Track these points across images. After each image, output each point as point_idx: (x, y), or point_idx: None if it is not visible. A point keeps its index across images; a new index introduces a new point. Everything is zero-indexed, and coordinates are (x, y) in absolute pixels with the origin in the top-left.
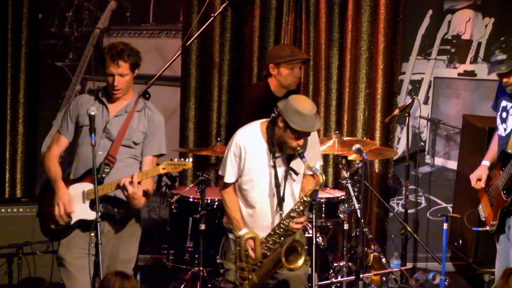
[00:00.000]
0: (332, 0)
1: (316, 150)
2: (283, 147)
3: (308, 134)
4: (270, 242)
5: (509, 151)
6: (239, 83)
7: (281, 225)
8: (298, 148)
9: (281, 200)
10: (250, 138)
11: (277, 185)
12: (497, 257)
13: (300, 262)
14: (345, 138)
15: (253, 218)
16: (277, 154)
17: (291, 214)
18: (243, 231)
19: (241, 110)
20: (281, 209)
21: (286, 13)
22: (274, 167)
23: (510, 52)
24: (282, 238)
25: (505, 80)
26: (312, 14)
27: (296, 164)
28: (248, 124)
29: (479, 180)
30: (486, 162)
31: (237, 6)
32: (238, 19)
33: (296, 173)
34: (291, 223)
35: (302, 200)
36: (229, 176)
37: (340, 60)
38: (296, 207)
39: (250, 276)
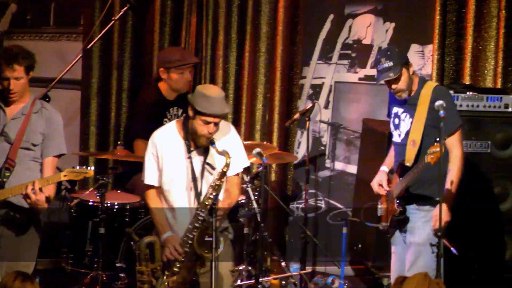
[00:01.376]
0: (231, 2)
1: (235, 148)
2: (197, 139)
3: (217, 117)
4: (190, 237)
5: (407, 164)
6: (139, 87)
7: (198, 216)
8: (209, 135)
9: (198, 195)
10: (166, 136)
11: (194, 179)
12: (392, 260)
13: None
14: (244, 142)
15: (177, 220)
16: (192, 148)
17: (205, 203)
18: (166, 235)
19: (133, 115)
20: (199, 204)
21: (187, 17)
22: (190, 161)
23: (395, 60)
24: None
25: (393, 86)
26: (211, 17)
27: (212, 158)
28: (165, 125)
29: (381, 185)
30: (384, 168)
31: (138, 10)
32: (139, 23)
33: (213, 168)
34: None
35: (213, 185)
36: (149, 178)
37: (238, 62)
38: (208, 193)
39: (150, 280)
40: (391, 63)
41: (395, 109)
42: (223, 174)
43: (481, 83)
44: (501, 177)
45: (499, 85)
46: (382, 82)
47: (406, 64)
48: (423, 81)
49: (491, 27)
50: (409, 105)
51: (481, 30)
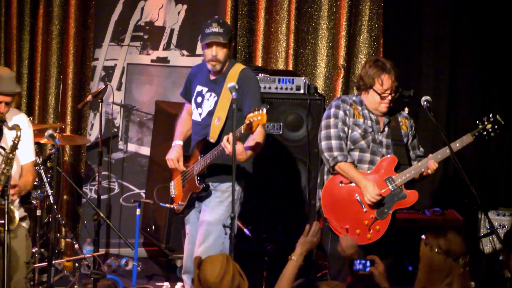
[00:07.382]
0: None
1: (29, 138)
2: None
3: (8, 96)
4: None
5: (211, 140)
6: None
7: None
8: (0, 114)
9: None
10: None
11: None
12: (186, 241)
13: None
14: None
15: None
16: None
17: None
18: None
19: None
20: None
21: None
22: None
23: (226, 29)
24: None
25: (215, 53)
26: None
27: (4, 140)
28: None
29: (178, 161)
30: (179, 142)
31: None
32: None
33: (5, 150)
34: None
35: (5, 159)
36: None
37: (31, 45)
38: (1, 168)
39: None
40: (221, 30)
41: (199, 88)
42: (14, 147)
43: (273, 65)
44: (293, 158)
45: (290, 67)
46: (208, 41)
47: (232, 40)
48: (233, 63)
49: (282, 9)
50: (215, 84)
51: (273, 12)
